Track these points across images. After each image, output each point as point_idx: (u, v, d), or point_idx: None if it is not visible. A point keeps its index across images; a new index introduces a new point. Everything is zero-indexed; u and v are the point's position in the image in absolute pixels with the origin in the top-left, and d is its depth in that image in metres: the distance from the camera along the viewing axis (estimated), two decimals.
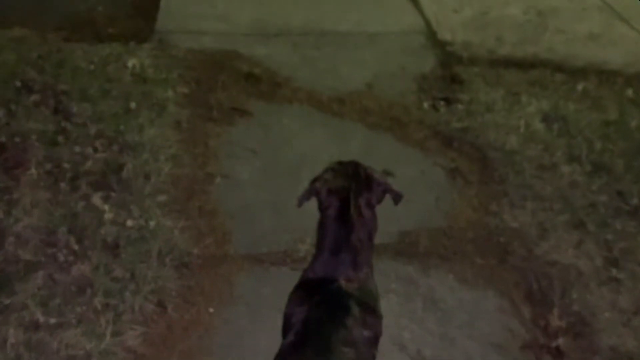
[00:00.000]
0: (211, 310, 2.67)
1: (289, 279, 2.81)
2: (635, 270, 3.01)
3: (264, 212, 3.11)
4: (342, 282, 1.91)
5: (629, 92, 4.12)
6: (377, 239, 3.08)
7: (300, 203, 2.05)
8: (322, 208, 2.04)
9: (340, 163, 2.13)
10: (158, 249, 2.76)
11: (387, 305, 2.71)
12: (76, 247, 2.66)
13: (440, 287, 2.90)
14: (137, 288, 2.61)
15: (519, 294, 2.92)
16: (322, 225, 2.02)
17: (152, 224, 2.87)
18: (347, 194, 1.99)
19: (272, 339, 2.56)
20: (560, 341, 2.70)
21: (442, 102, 3.97)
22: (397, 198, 2.08)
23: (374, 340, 1.91)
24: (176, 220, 2.93)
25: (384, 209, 3.28)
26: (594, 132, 3.77)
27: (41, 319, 2.37)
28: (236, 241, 2.94)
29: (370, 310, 1.92)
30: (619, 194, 3.41)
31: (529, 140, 3.71)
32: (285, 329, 1.94)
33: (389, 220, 3.25)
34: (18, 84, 3.39)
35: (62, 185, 2.92)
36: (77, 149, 3.11)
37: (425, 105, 3.95)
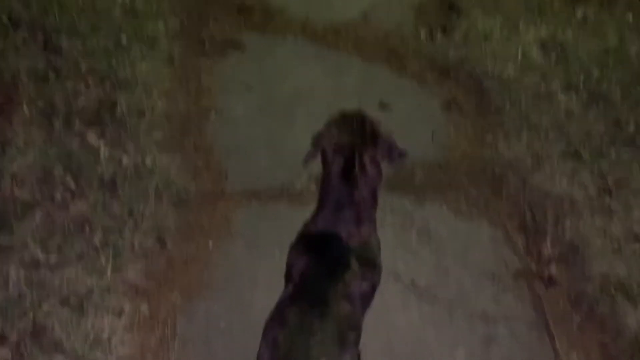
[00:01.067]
0: (210, 245, 2.71)
1: (286, 214, 2.87)
2: (628, 198, 3.03)
3: (260, 148, 3.10)
4: (344, 238, 1.92)
5: (629, 16, 4.03)
6: None
7: (306, 162, 2.03)
8: (326, 164, 2.02)
9: (344, 115, 2.07)
10: (155, 186, 2.78)
11: (383, 238, 2.71)
12: (73, 185, 2.67)
13: (434, 218, 2.93)
14: (136, 225, 2.64)
15: (513, 224, 2.96)
16: (325, 181, 2.01)
17: (148, 161, 2.87)
18: (352, 150, 1.96)
19: (270, 273, 2.62)
20: (553, 269, 2.76)
21: (439, 32, 3.89)
22: (401, 155, 2.05)
23: (371, 291, 1.94)
24: (172, 157, 2.94)
25: None
26: (592, 60, 3.71)
27: (41, 257, 2.41)
28: (233, 177, 2.95)
29: (370, 264, 1.94)
30: (615, 122, 3.39)
31: (526, 69, 3.66)
32: (287, 278, 1.96)
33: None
34: (5, 19, 3.31)
35: (56, 123, 2.90)
36: (69, 85, 3.07)
37: (422, 35, 3.87)
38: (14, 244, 2.44)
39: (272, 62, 3.58)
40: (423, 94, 3.55)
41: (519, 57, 3.69)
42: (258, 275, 2.63)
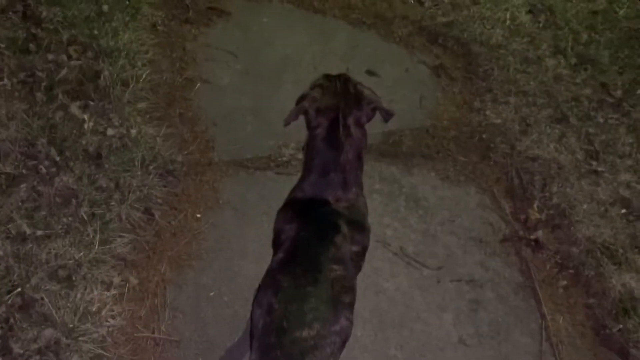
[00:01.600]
0: (198, 215, 2.71)
1: (274, 183, 2.86)
2: (615, 162, 3.05)
3: (247, 117, 3.08)
4: (331, 202, 1.91)
5: None
6: None
7: (287, 123, 1.98)
8: (310, 127, 1.99)
9: (328, 77, 2.05)
10: (141, 157, 2.75)
11: (371, 205, 2.72)
12: (57, 158, 2.63)
13: (422, 185, 2.94)
14: (123, 197, 2.62)
15: (500, 189, 2.98)
16: (310, 145, 1.99)
17: (133, 132, 2.83)
18: (336, 113, 1.94)
19: (259, 242, 2.64)
20: (539, 233, 2.79)
21: None
22: (387, 116, 2.03)
23: (362, 253, 1.95)
24: (158, 127, 2.90)
25: None
26: (581, 23, 3.70)
27: (28, 231, 2.39)
28: (219, 147, 2.94)
29: (359, 227, 1.93)
30: (602, 86, 3.39)
31: (515, 34, 3.64)
32: (275, 244, 1.96)
33: (372, 122, 3.26)
34: None
35: (38, 95, 2.84)
36: (51, 56, 3.00)
37: (409, 1, 3.82)
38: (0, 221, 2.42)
39: (257, 29, 3.52)
40: (411, 60, 3.52)
41: (507, 21, 3.66)
42: (247, 245, 2.64)
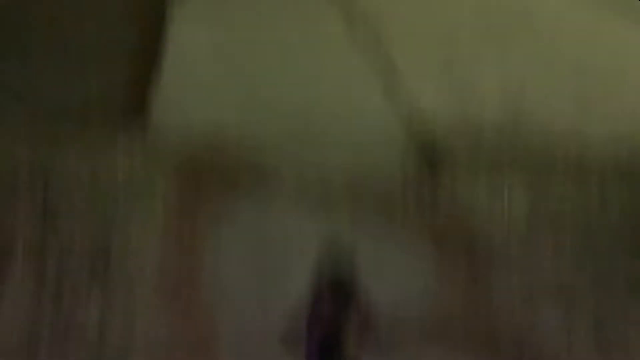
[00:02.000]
0: None
1: None
2: None
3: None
4: None
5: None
6: None
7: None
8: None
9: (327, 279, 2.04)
10: None
11: None
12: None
13: None
14: None
15: None
16: None
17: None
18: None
19: None
20: None
21: (427, 197, 4.01)
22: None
23: None
24: None
25: None
26: (577, 227, 3.82)
27: None
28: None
29: None
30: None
31: (514, 234, 3.74)
32: None
33: None
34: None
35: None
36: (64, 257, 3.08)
37: (411, 201, 3.98)
38: None
39: (264, 228, 3.62)
40: (415, 257, 3.58)
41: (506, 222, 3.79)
42: None
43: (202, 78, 4.38)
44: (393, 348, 2.98)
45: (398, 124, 4.54)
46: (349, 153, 4.22)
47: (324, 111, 4.46)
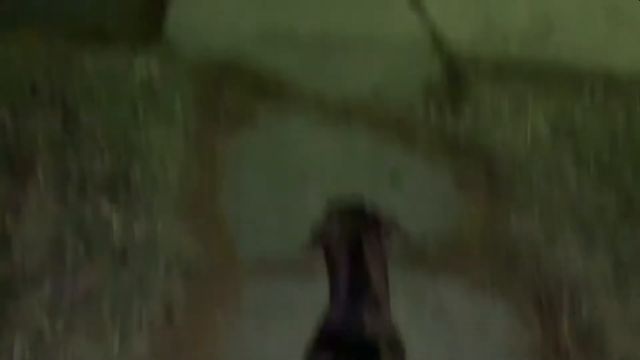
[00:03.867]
0: (219, 320, 2.66)
1: (298, 289, 2.82)
2: None
3: (272, 222, 3.09)
4: (368, 327, 1.78)
5: (637, 99, 4.11)
6: None
7: (307, 251, 1.96)
8: (331, 259, 1.92)
9: (342, 206, 2.00)
10: (166, 258, 2.75)
11: (395, 316, 2.70)
12: (84, 255, 2.65)
13: (448, 297, 2.88)
14: (145, 297, 2.60)
15: (528, 302, 2.91)
16: (334, 272, 1.90)
17: (159, 230, 2.86)
18: (358, 236, 1.88)
19: (280, 351, 2.56)
20: (570, 352, 2.68)
21: (448, 108, 3.96)
22: (406, 238, 2.01)
23: None
24: (184, 229, 2.93)
25: None
26: (602, 135, 3.76)
27: (48, 328, 2.35)
28: (244, 251, 2.93)
29: (400, 350, 1.82)
30: (627, 199, 3.40)
31: (536, 144, 3.69)
32: None
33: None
34: (27, 88, 3.39)
35: (69, 190, 2.91)
36: (84, 153, 3.11)
37: (432, 111, 3.93)
38: (21, 312, 2.39)
39: (284, 136, 3.62)
40: (433, 170, 3.57)
41: (529, 134, 3.73)
42: (268, 353, 2.56)
43: (219, 6, 4.34)
44: (412, 263, 3.01)
45: (422, 36, 4.47)
46: (370, 71, 4.18)
47: (345, 34, 4.40)
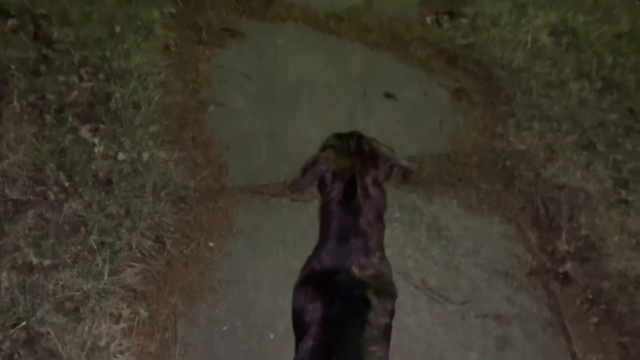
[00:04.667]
0: (211, 244, 2.60)
1: (289, 210, 2.76)
2: None
3: (261, 142, 2.98)
4: (356, 271, 1.73)
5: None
6: None
7: (300, 190, 1.84)
8: (325, 191, 1.83)
9: (339, 136, 1.90)
10: (153, 183, 2.65)
11: (391, 235, 2.65)
12: (66, 183, 2.54)
13: (444, 214, 2.82)
14: (133, 224, 2.52)
15: (526, 219, 2.86)
16: (326, 210, 1.82)
17: (145, 156, 2.74)
18: (352, 174, 1.79)
19: (274, 274, 2.53)
20: (568, 266, 2.66)
21: (445, 17, 3.76)
22: (407, 173, 1.88)
23: (391, 324, 1.76)
24: (170, 152, 2.81)
25: (386, 135, 3.17)
26: (605, 46, 3.59)
27: (35, 260, 2.28)
28: (233, 173, 2.83)
29: (388, 295, 1.76)
30: (630, 111, 3.28)
31: (536, 57, 3.54)
32: (298, 327, 1.76)
33: (391, 146, 3.16)
34: None
35: (48, 118, 2.76)
36: (61, 78, 2.92)
37: (428, 20, 3.74)
38: (5, 246, 2.32)
39: (272, 51, 3.44)
40: (430, 83, 3.43)
41: (529, 44, 3.56)
42: (261, 276, 2.53)
43: None
44: (409, 183, 2.93)
45: None
46: None
47: None
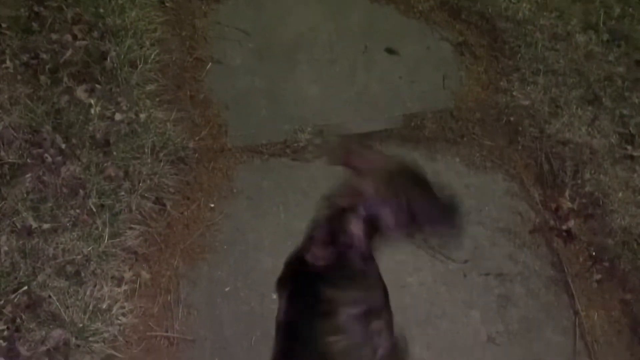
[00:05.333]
0: (211, 205, 2.58)
1: (290, 170, 2.73)
2: None
3: (260, 100, 2.92)
4: (309, 261, 1.62)
5: None
6: (382, 125, 2.96)
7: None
8: None
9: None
10: (151, 144, 2.61)
11: None
12: (63, 145, 2.50)
13: (446, 172, 2.79)
14: (133, 186, 2.50)
15: (529, 176, 2.82)
16: None
17: (142, 116, 2.70)
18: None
19: (275, 234, 2.51)
20: (571, 224, 2.64)
21: None
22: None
23: (369, 313, 1.63)
24: (168, 111, 2.76)
25: (387, 91, 3.11)
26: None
27: (34, 224, 2.27)
28: (233, 132, 2.79)
29: (349, 285, 1.62)
30: (637, 64, 3.20)
31: (542, 8, 3.42)
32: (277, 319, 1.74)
33: (393, 103, 3.11)
34: None
35: (42, 78, 2.70)
36: (55, 36, 2.85)
37: None
38: (3, 210, 2.30)
39: (270, 6, 3.33)
40: (432, 37, 3.33)
41: None
42: (262, 236, 2.51)
43: None
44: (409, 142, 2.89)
45: None
46: None
47: None
